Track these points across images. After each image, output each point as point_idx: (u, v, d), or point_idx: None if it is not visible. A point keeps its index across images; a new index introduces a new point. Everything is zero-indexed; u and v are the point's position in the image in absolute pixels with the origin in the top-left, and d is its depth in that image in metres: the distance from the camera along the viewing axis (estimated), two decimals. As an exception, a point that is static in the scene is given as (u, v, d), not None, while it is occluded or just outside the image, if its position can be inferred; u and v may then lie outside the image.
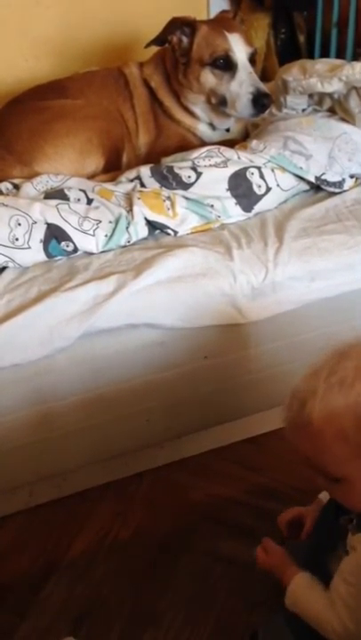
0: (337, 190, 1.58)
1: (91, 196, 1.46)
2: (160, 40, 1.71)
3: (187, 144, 1.75)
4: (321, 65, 1.67)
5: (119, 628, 1.24)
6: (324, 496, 1.18)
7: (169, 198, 1.46)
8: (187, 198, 1.47)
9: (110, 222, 1.41)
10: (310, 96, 1.72)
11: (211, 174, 1.49)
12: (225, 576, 1.31)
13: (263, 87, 1.66)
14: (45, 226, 1.36)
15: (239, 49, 1.66)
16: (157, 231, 1.46)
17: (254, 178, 1.51)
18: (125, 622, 1.25)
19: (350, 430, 0.83)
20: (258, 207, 1.52)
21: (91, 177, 1.63)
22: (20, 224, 1.34)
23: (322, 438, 0.84)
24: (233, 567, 1.33)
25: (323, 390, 0.84)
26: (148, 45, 1.74)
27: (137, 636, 1.22)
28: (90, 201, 1.44)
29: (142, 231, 1.43)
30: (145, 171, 1.52)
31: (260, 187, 1.52)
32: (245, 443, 1.62)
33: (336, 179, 1.58)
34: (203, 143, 1.76)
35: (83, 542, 1.41)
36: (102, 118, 1.69)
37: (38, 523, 1.45)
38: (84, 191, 1.47)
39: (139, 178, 1.52)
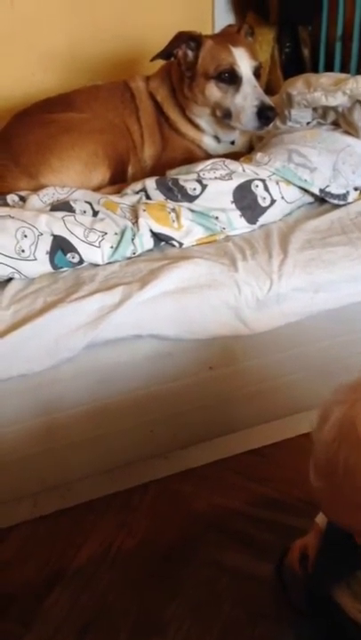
0: (341, 203, 1.59)
1: (96, 208, 1.47)
2: (166, 54, 1.73)
3: (192, 156, 1.77)
4: (325, 79, 1.68)
5: (124, 637, 1.24)
6: (320, 520, 1.17)
7: (174, 210, 1.47)
8: (192, 210, 1.48)
9: (116, 234, 1.42)
10: (315, 109, 1.74)
11: (216, 186, 1.50)
12: (229, 587, 1.31)
13: (268, 100, 1.67)
14: (51, 237, 1.37)
15: (244, 63, 1.68)
16: (163, 243, 1.47)
17: (259, 190, 1.52)
18: (130, 632, 1.25)
19: None
20: (262, 219, 1.53)
21: (96, 189, 1.64)
22: (26, 236, 1.36)
23: None
24: (237, 578, 1.33)
25: None
26: (153, 59, 1.76)
27: (141, 647, 1.22)
28: (95, 213, 1.46)
29: (148, 243, 1.44)
30: (150, 183, 1.54)
31: (264, 199, 1.53)
32: (249, 454, 1.62)
33: (340, 191, 1.59)
34: (208, 156, 1.77)
35: (87, 552, 1.41)
36: (108, 131, 1.71)
37: (43, 533, 1.46)
38: (89, 203, 1.48)
39: (144, 190, 1.54)
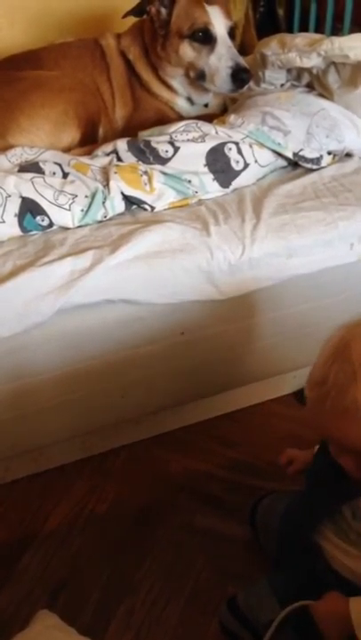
0: (314, 167, 1.58)
1: (66, 169, 1.44)
2: (138, 10, 1.68)
3: (164, 118, 1.73)
4: (300, 39, 1.65)
5: (96, 598, 1.26)
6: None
7: (146, 173, 1.44)
8: (164, 173, 1.46)
9: (86, 197, 1.39)
10: (289, 71, 1.71)
11: (188, 149, 1.48)
12: (201, 548, 1.33)
13: (243, 62, 1.63)
14: (20, 199, 1.34)
15: (219, 22, 1.64)
16: (134, 206, 1.45)
17: (232, 153, 1.50)
18: (102, 593, 1.26)
19: None
20: (236, 183, 1.51)
21: (66, 150, 1.60)
22: (-6, 197, 1.32)
23: None
24: (209, 539, 1.35)
25: None
26: (125, 16, 1.71)
27: (113, 606, 1.24)
28: (65, 175, 1.42)
29: (119, 206, 1.42)
30: (122, 144, 1.50)
31: (237, 162, 1.51)
32: (221, 418, 1.63)
33: (314, 155, 1.57)
34: (180, 118, 1.74)
35: (59, 515, 1.42)
36: (78, 90, 1.66)
37: (15, 497, 1.46)
38: (59, 165, 1.44)
39: (115, 152, 1.50)
